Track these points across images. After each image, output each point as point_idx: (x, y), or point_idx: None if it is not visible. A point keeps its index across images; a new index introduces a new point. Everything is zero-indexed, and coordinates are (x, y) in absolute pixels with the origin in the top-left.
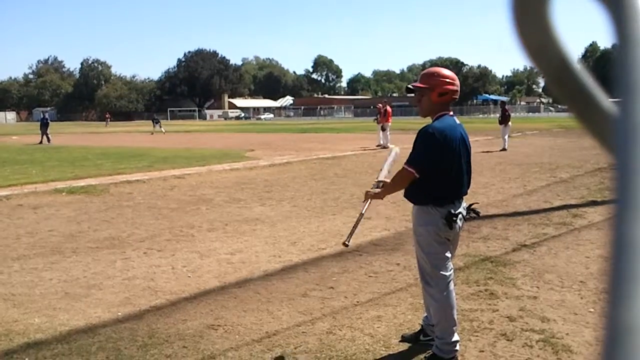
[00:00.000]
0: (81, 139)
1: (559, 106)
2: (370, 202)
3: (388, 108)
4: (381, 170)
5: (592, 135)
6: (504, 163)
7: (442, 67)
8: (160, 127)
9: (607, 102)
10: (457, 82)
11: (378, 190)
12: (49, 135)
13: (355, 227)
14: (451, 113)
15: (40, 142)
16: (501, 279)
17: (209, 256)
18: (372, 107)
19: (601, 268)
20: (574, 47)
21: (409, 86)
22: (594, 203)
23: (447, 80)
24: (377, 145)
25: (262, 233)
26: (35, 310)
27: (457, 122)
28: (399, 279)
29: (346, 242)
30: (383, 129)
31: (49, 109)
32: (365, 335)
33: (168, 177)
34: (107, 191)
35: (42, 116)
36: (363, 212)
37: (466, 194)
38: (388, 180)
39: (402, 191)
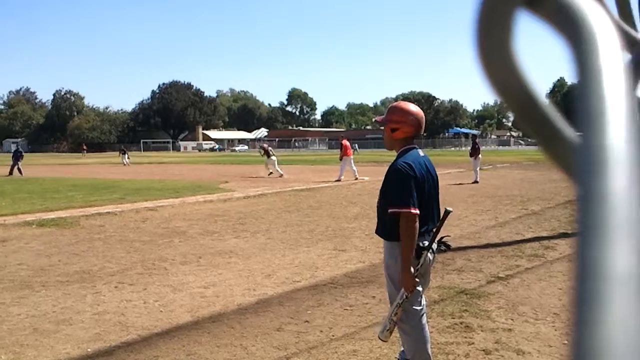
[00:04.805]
0: (52, 171)
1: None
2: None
3: (343, 142)
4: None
5: (559, 167)
6: (476, 195)
7: (412, 101)
8: (128, 158)
9: (572, 135)
10: (418, 116)
11: (403, 270)
12: (21, 167)
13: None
14: (415, 146)
15: (10, 174)
16: (476, 312)
17: (182, 290)
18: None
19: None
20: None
21: (374, 120)
22: (565, 235)
23: (406, 115)
24: (336, 180)
25: (236, 266)
26: (2, 346)
27: (422, 154)
28: (375, 312)
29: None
30: (344, 163)
31: (19, 140)
32: None
33: (140, 209)
34: (78, 224)
35: (16, 148)
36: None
37: (436, 226)
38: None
39: (374, 226)
